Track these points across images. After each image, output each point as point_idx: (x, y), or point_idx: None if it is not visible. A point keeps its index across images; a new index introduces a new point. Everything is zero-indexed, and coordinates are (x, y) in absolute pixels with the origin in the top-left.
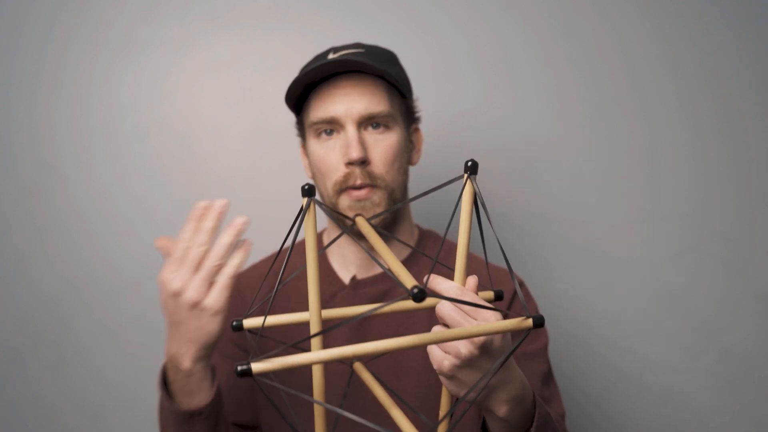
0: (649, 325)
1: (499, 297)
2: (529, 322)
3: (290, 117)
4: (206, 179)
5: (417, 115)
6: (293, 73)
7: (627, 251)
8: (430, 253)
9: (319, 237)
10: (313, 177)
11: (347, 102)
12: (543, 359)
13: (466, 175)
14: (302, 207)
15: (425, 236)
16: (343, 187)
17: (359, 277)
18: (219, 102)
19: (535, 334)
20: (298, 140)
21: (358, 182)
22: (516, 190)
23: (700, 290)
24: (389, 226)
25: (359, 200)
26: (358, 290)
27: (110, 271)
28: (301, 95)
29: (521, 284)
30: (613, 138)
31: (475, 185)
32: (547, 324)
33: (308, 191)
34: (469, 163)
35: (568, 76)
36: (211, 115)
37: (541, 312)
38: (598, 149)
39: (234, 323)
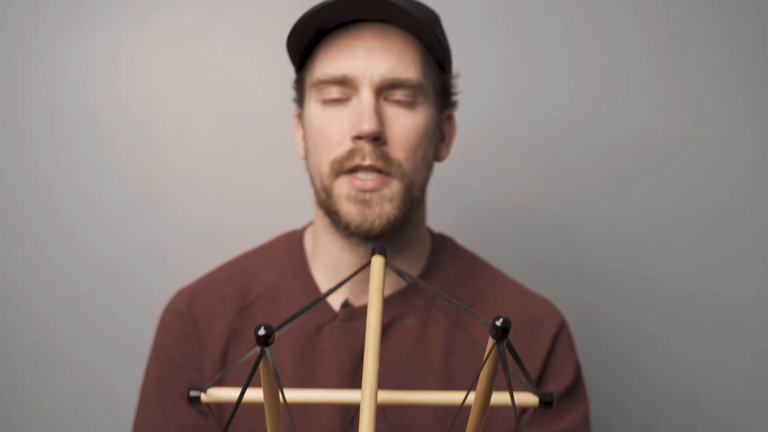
0: (700, 347)
1: (547, 403)
2: None
3: (270, 98)
4: (169, 173)
5: (454, 98)
6: (273, 45)
7: (673, 259)
8: (445, 271)
9: (300, 238)
10: (306, 153)
11: (367, 58)
12: None
13: (491, 341)
14: (257, 355)
15: (440, 248)
16: (345, 167)
17: (355, 303)
18: (184, 80)
19: (572, 400)
20: (291, 109)
21: (367, 162)
22: (539, 186)
23: (760, 305)
24: (397, 234)
25: (364, 191)
26: (351, 322)
27: (54, 282)
28: (307, 44)
29: (562, 327)
30: (656, 122)
31: (502, 354)
32: (579, 344)
33: (262, 338)
34: (499, 323)
35: (603, 47)
36: (175, 96)
37: (578, 359)
38: (638, 135)
39: (191, 393)
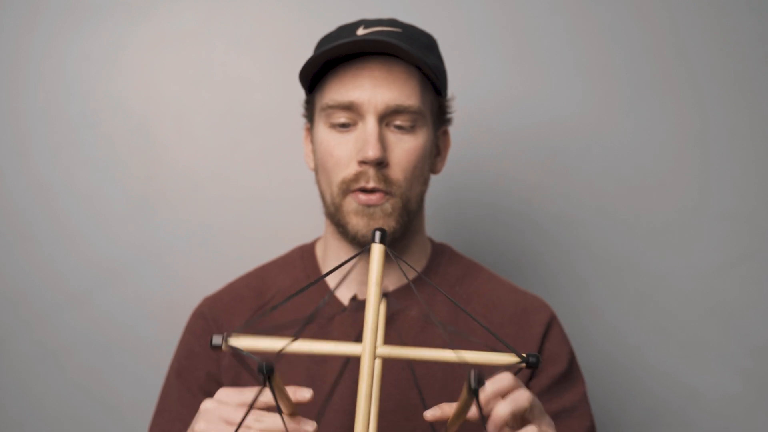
0: (698, 348)
1: (532, 365)
2: None
3: (270, 98)
4: (169, 173)
5: (449, 116)
6: (273, 45)
7: (672, 259)
8: (444, 272)
9: (311, 248)
10: (315, 170)
11: (372, 88)
12: (584, 412)
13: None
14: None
15: (439, 252)
16: (352, 188)
17: (361, 296)
18: (184, 80)
19: (570, 382)
20: (301, 121)
21: (371, 184)
22: (538, 185)
23: (760, 306)
24: (398, 240)
25: (368, 205)
26: (359, 312)
27: (54, 282)
28: (317, 71)
29: (553, 319)
30: (656, 122)
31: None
32: (577, 347)
33: (268, 371)
34: (473, 382)
35: (603, 48)
36: (175, 96)
37: (569, 332)
38: (638, 136)
39: (213, 341)
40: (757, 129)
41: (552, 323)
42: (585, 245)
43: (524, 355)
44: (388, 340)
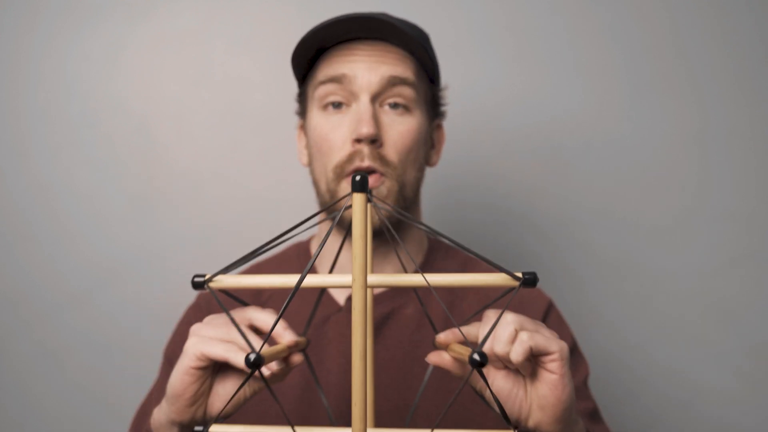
0: (698, 347)
1: (530, 282)
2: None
3: (270, 98)
4: (168, 172)
5: (442, 108)
6: (273, 45)
7: (672, 258)
8: (441, 267)
9: (306, 245)
10: (310, 159)
11: (366, 63)
12: (585, 395)
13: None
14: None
15: (435, 248)
16: (347, 171)
17: None
18: (184, 80)
19: (573, 362)
20: (290, 108)
21: (366, 163)
22: (538, 185)
23: (758, 305)
24: (396, 232)
25: None
26: None
27: (54, 282)
28: (309, 60)
29: (551, 305)
30: (656, 122)
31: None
32: (579, 347)
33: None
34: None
35: (603, 47)
36: (175, 96)
37: (571, 330)
38: (638, 135)
39: (195, 279)
40: (757, 129)
41: (550, 309)
42: (584, 245)
43: (519, 274)
44: (384, 339)
